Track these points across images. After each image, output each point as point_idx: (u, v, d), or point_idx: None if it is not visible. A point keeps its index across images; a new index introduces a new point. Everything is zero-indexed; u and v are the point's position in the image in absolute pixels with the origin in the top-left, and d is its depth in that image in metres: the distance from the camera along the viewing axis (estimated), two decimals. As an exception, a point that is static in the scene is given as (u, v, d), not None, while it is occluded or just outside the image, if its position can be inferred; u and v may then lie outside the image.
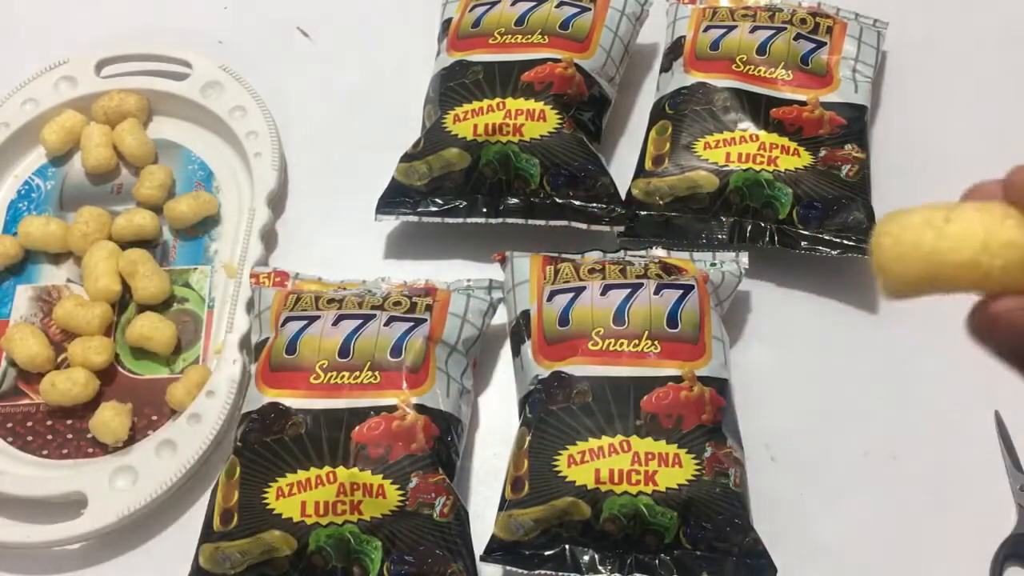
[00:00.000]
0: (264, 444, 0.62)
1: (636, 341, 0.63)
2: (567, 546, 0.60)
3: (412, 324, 0.66)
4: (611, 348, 0.63)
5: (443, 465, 0.62)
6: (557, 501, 0.59)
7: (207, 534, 0.61)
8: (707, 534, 0.59)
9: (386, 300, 0.67)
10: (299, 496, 0.60)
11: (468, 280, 0.71)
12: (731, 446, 0.62)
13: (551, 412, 0.62)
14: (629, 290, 0.65)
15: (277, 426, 0.62)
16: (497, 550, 0.60)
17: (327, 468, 0.61)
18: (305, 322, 0.66)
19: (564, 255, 0.70)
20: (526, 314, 0.67)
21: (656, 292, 0.65)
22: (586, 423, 0.61)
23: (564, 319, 0.65)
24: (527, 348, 0.66)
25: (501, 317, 0.70)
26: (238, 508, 0.61)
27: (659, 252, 0.70)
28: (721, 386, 0.64)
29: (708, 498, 0.60)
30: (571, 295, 0.66)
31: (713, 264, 0.69)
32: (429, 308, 0.67)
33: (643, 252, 0.70)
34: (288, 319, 0.67)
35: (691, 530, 0.59)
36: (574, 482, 0.60)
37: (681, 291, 0.65)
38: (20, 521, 0.67)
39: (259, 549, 0.60)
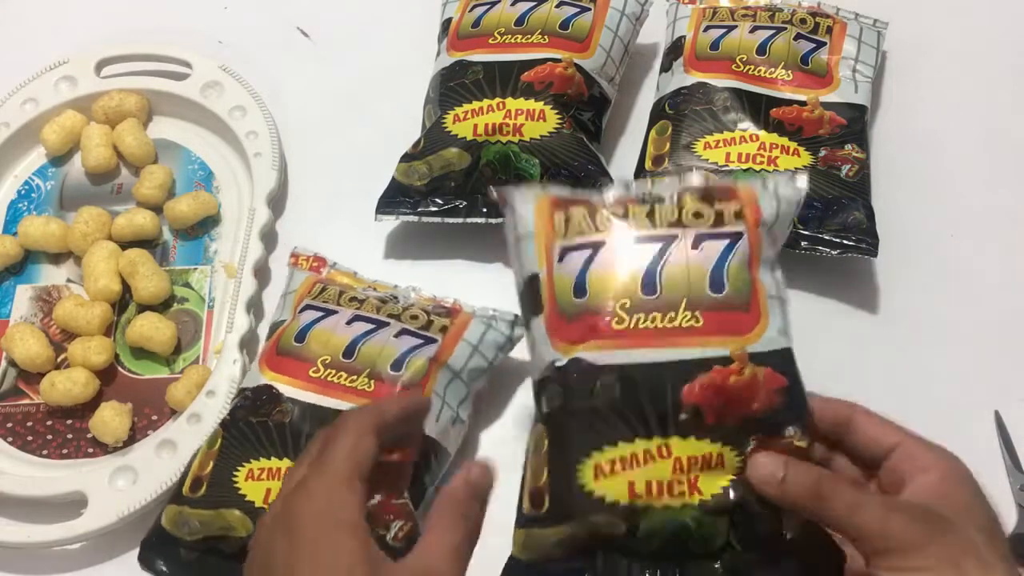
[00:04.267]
0: (248, 423, 0.62)
1: (672, 314, 0.51)
2: (601, 554, 0.50)
3: (421, 342, 0.65)
4: (641, 325, 0.51)
5: (410, 488, 0.58)
6: (582, 519, 0.49)
7: (176, 496, 0.62)
8: (759, 534, 0.49)
9: (405, 311, 0.67)
10: (265, 483, 0.60)
11: (494, 310, 0.68)
12: (791, 434, 0.50)
13: (571, 411, 0.51)
14: (660, 245, 0.52)
15: (265, 409, 0.63)
16: (520, 572, 0.51)
17: None
18: (321, 314, 0.66)
19: (578, 194, 0.55)
20: (534, 280, 0.53)
21: (695, 246, 0.52)
22: (615, 424, 0.50)
23: (580, 288, 0.52)
24: (539, 324, 0.53)
25: (519, 350, 0.68)
26: (208, 478, 0.61)
27: (695, 180, 0.55)
28: (781, 361, 0.51)
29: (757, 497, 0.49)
30: (587, 253, 0.53)
31: (764, 188, 0.55)
32: (444, 330, 0.66)
33: (675, 179, 0.56)
34: (307, 307, 0.67)
35: (741, 532, 0.49)
36: (603, 498, 0.49)
37: (727, 241, 0.52)
38: (20, 521, 0.67)
39: (218, 524, 0.60)
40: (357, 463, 0.45)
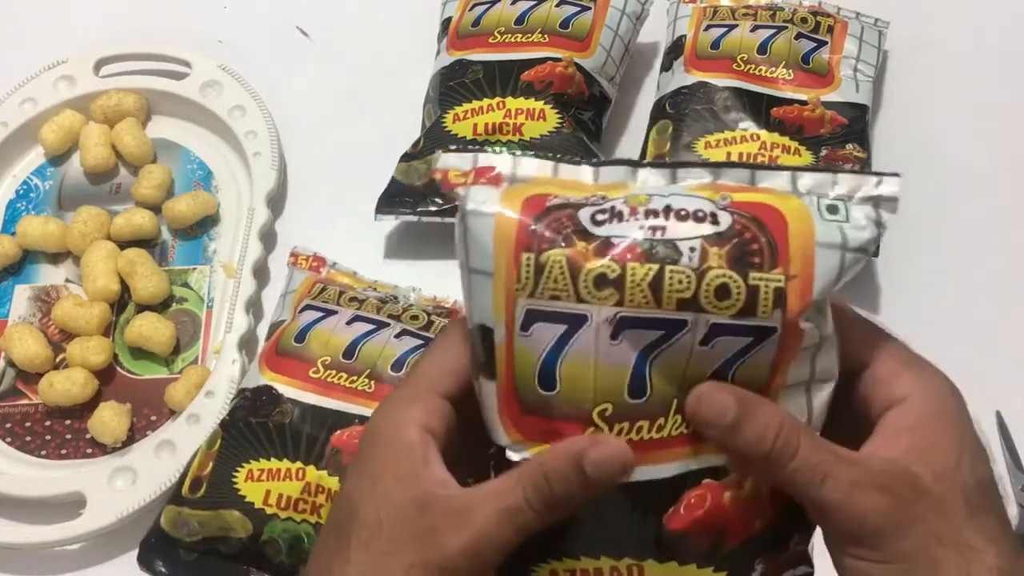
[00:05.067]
0: (248, 424, 0.62)
1: (661, 421, 0.38)
2: None
3: (422, 343, 0.65)
4: (622, 433, 0.38)
5: None
6: None
7: (175, 496, 0.62)
8: None
9: (405, 312, 0.67)
10: (265, 484, 0.60)
11: None
12: (794, 543, 0.41)
13: None
14: (662, 334, 0.37)
15: (265, 410, 0.63)
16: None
17: (299, 464, 0.61)
18: (322, 314, 0.66)
19: (559, 214, 0.38)
20: (487, 335, 0.39)
21: (705, 341, 0.37)
22: (580, 537, 0.40)
23: (548, 377, 0.38)
24: (490, 391, 0.39)
25: None
26: (208, 479, 0.61)
27: (723, 221, 0.37)
28: None
29: None
30: (561, 331, 0.38)
31: (825, 221, 0.38)
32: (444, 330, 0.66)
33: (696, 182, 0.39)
34: (307, 307, 0.67)
35: None
36: None
37: (748, 340, 0.37)
38: (19, 522, 0.67)
39: (217, 524, 0.60)
40: (430, 381, 0.41)
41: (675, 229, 0.37)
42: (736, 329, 0.37)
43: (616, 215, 0.37)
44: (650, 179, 0.39)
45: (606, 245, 0.37)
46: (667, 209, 0.37)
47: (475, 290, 0.39)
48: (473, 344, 0.40)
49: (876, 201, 0.39)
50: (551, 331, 0.38)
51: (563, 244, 0.37)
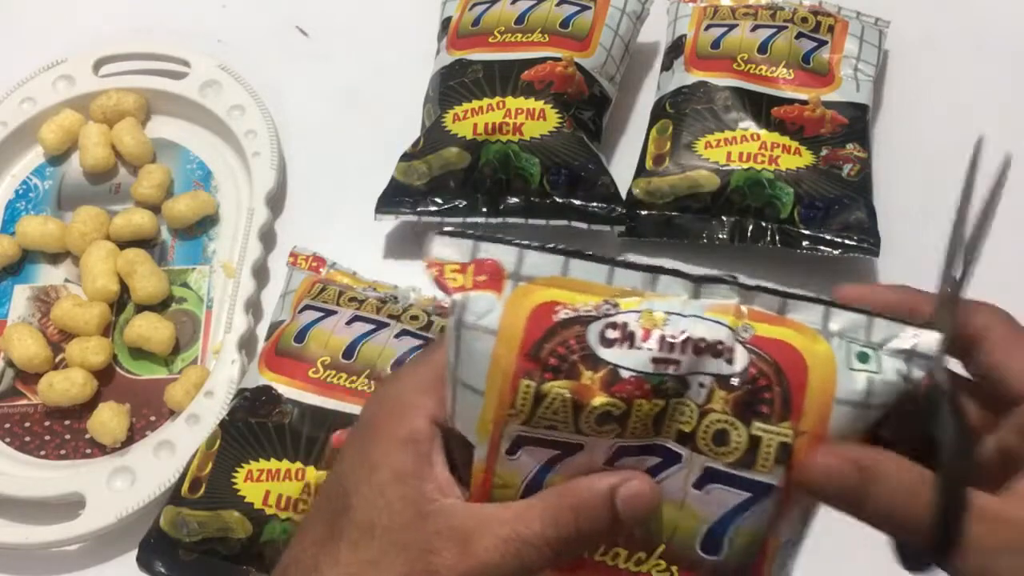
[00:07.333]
0: (248, 424, 0.62)
1: (641, 555, 0.37)
2: None
3: (422, 343, 0.65)
4: (597, 559, 0.38)
5: None
6: None
7: (174, 497, 0.62)
8: None
9: (405, 312, 0.67)
10: (265, 484, 0.60)
11: None
12: None
13: None
14: (655, 463, 0.36)
15: (264, 410, 0.62)
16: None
17: (298, 464, 0.61)
18: (321, 314, 0.66)
19: (564, 316, 0.35)
20: (466, 447, 0.37)
21: (699, 484, 0.36)
22: None
23: (533, 492, 0.37)
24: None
25: None
26: (207, 480, 0.61)
27: (738, 362, 0.35)
28: None
29: None
30: (551, 455, 0.36)
31: (862, 362, 0.36)
32: (444, 331, 0.66)
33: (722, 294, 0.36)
34: (306, 307, 0.67)
35: None
36: None
37: (746, 496, 0.36)
38: (18, 522, 0.67)
39: (216, 525, 0.60)
40: (435, 372, 0.38)
41: (689, 364, 0.35)
42: (732, 479, 0.35)
43: (628, 336, 0.35)
44: (672, 287, 0.36)
45: (614, 378, 0.34)
46: (684, 336, 0.35)
47: (460, 402, 0.36)
48: (453, 455, 0.38)
49: (909, 355, 0.36)
50: (541, 454, 0.36)
51: (568, 375, 0.34)
